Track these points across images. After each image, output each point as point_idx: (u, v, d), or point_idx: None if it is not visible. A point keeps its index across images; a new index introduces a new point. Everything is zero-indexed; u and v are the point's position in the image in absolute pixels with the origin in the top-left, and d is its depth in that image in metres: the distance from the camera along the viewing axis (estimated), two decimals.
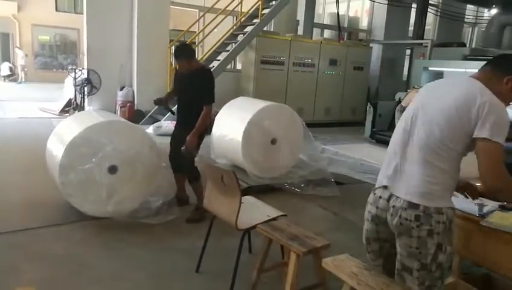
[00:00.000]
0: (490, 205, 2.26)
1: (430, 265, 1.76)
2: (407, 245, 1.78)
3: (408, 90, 9.04)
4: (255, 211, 2.89)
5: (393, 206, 1.81)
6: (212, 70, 8.57)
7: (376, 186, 1.95)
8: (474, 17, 14.98)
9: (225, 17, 9.30)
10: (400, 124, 1.92)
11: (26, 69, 18.07)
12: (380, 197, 1.89)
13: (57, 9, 18.65)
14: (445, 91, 1.82)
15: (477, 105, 1.66)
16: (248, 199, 3.06)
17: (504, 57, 1.90)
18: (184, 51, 3.78)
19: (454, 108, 1.70)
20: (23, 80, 17.78)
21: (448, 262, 1.83)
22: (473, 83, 1.77)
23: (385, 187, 1.88)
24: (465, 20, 14.35)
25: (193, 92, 3.77)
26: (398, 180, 1.83)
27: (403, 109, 7.34)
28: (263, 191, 4.60)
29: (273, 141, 4.99)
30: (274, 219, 2.77)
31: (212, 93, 3.82)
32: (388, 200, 1.85)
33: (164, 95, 4.12)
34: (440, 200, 1.75)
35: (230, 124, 5.14)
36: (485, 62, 1.88)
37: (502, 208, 2.15)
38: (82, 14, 9.42)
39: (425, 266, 1.76)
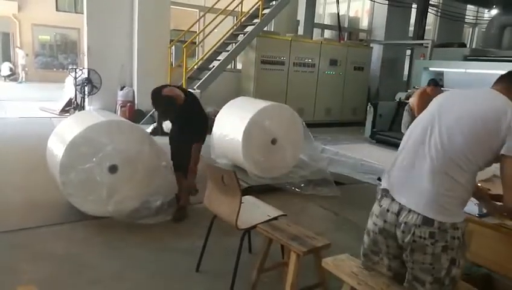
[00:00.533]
0: None
1: (443, 279, 1.69)
2: (420, 261, 1.70)
3: (408, 91, 9.05)
4: (255, 211, 2.90)
5: (405, 223, 1.70)
6: (212, 70, 8.65)
7: (380, 189, 1.86)
8: (475, 18, 14.99)
9: (225, 17, 9.30)
10: (414, 129, 1.84)
11: (26, 69, 18.08)
12: (388, 210, 1.77)
13: (57, 9, 18.67)
14: (469, 101, 1.76)
15: (508, 119, 1.61)
16: (248, 199, 3.06)
17: None
18: (169, 108, 3.71)
19: (481, 120, 1.65)
20: (23, 79, 17.79)
21: (461, 273, 1.76)
22: (500, 97, 1.71)
23: (392, 198, 1.77)
24: (466, 20, 14.35)
25: (185, 121, 3.86)
26: (407, 189, 1.73)
27: (411, 110, 7.30)
28: (263, 191, 4.59)
29: (274, 141, 4.99)
30: (274, 218, 2.77)
31: (200, 132, 3.85)
32: (397, 214, 1.74)
33: (157, 124, 4.18)
34: (455, 216, 1.67)
35: (231, 124, 5.14)
36: (500, 77, 1.85)
37: None
38: (82, 13, 9.42)
39: (439, 279, 1.70)
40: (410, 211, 1.70)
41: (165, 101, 3.71)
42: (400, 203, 1.74)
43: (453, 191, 1.66)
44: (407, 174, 1.76)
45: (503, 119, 1.62)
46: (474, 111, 1.69)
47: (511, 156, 1.61)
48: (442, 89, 6.92)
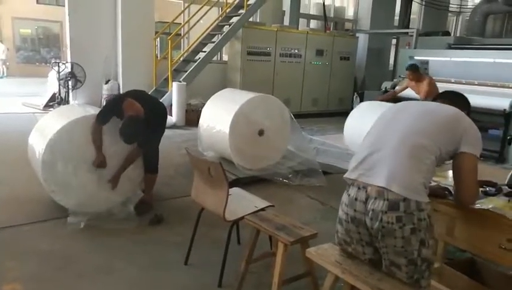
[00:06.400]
0: None
1: (416, 260, 1.77)
2: (393, 245, 1.77)
3: (394, 80, 9.10)
4: (243, 203, 2.90)
5: (373, 210, 1.77)
6: (198, 62, 8.56)
7: (348, 176, 1.92)
8: (459, 6, 15.09)
9: (210, 8, 9.20)
10: (382, 119, 2.05)
11: (7, 64, 17.67)
12: (356, 199, 1.85)
13: (38, 2, 18.20)
14: (427, 105, 2.15)
15: (465, 122, 1.89)
16: (236, 191, 3.06)
17: (457, 96, 2.22)
18: (135, 132, 3.49)
19: (442, 117, 1.91)
20: (4, 74, 17.40)
21: (432, 254, 1.85)
22: (452, 107, 2.00)
23: (359, 187, 1.85)
24: (450, 9, 14.45)
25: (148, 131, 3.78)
26: (374, 172, 1.82)
27: None
28: (251, 182, 4.60)
29: (261, 132, 4.99)
30: (262, 209, 2.78)
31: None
32: (365, 202, 1.81)
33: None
34: (420, 195, 1.75)
35: (217, 116, 5.11)
36: (439, 96, 2.25)
37: (485, 194, 2.18)
38: (64, 6, 9.22)
39: (413, 261, 1.77)
40: (376, 198, 1.78)
41: (129, 125, 3.43)
42: (366, 191, 1.82)
43: (418, 171, 1.78)
44: (376, 159, 1.85)
45: (460, 121, 1.89)
46: (435, 109, 1.99)
47: (469, 152, 1.84)
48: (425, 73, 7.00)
